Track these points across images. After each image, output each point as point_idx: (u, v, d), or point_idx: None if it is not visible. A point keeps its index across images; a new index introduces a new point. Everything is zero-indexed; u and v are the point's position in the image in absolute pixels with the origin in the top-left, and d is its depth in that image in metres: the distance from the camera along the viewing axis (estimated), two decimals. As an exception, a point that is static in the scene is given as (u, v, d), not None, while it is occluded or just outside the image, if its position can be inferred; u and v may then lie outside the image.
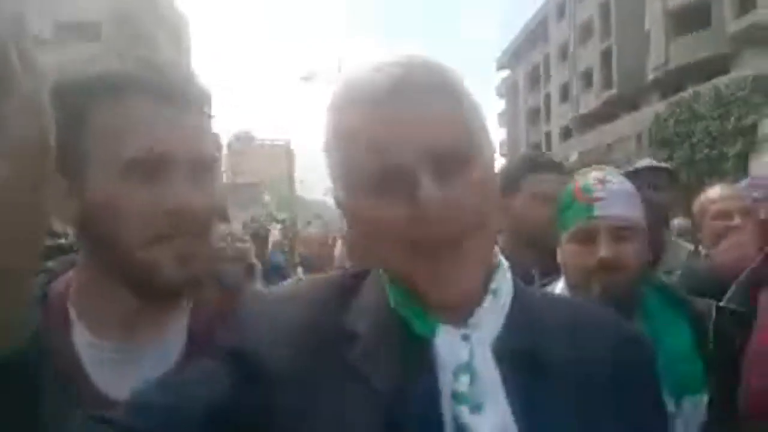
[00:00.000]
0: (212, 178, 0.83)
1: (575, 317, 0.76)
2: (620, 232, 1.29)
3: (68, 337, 0.80)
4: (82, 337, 0.81)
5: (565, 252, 1.37)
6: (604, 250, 1.27)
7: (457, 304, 0.67)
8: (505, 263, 0.75)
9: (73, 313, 0.82)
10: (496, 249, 0.75)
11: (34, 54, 0.45)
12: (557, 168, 1.97)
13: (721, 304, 1.39)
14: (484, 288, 0.70)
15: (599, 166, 1.45)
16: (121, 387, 0.76)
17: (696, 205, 2.43)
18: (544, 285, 1.49)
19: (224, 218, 2.15)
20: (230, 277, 0.96)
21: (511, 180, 1.93)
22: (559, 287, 1.43)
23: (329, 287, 0.76)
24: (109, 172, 0.75)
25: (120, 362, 0.80)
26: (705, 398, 1.27)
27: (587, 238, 1.31)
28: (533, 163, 1.99)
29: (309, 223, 5.09)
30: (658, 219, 2.05)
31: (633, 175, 1.77)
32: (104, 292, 0.80)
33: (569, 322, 0.74)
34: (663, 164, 2.45)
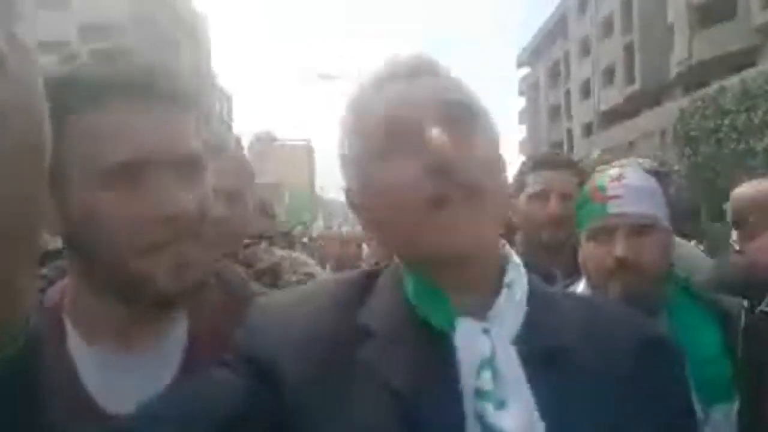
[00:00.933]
0: (205, 177, 0.79)
1: (597, 316, 0.74)
2: (638, 229, 1.23)
3: (64, 348, 0.78)
4: (77, 348, 0.78)
5: (584, 252, 1.32)
6: (619, 249, 1.22)
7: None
8: (516, 258, 0.74)
9: (68, 323, 0.79)
10: (505, 245, 0.74)
11: (22, 35, 0.44)
12: (561, 165, 1.92)
13: (760, 308, 1.32)
14: (499, 282, 0.70)
15: (619, 162, 1.39)
16: (119, 399, 0.74)
17: (741, 200, 2.26)
18: (567, 286, 1.45)
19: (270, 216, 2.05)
20: (235, 280, 0.93)
21: (516, 181, 1.96)
22: (581, 287, 1.38)
23: (343, 287, 0.75)
24: (90, 183, 0.71)
25: (117, 373, 0.77)
26: (735, 407, 1.21)
27: (604, 237, 1.26)
28: (533, 162, 1.98)
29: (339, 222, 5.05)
30: None
31: None
32: (97, 301, 0.77)
33: (591, 320, 0.72)
34: (653, 167, 2.35)
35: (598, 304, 0.83)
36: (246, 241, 1.65)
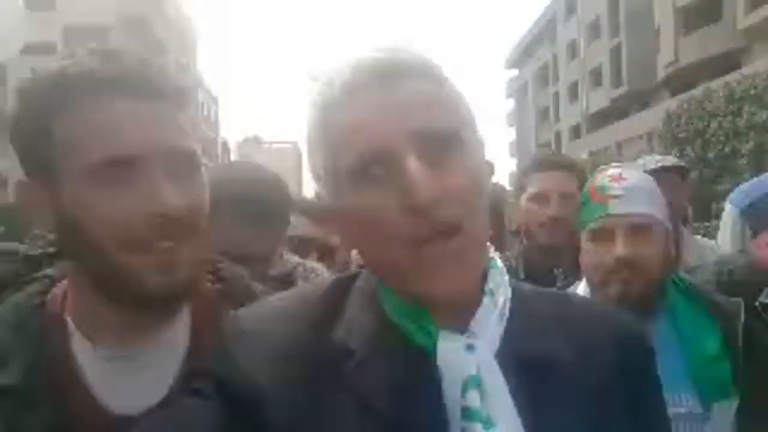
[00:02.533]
0: (200, 175, 0.77)
1: (577, 317, 0.73)
2: (638, 230, 1.24)
3: (67, 348, 0.77)
4: (80, 348, 0.77)
5: (584, 252, 1.32)
6: (620, 249, 1.22)
7: (452, 298, 0.62)
8: (500, 263, 0.71)
9: (71, 323, 0.78)
10: (491, 249, 0.71)
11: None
12: (562, 166, 1.92)
13: (759, 300, 1.32)
14: (480, 290, 0.66)
15: (617, 164, 1.40)
16: (123, 399, 0.74)
17: None
18: (566, 286, 1.45)
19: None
20: (238, 280, 0.91)
21: (518, 181, 1.97)
22: (581, 288, 1.39)
23: (318, 299, 0.70)
24: (79, 179, 0.70)
25: (120, 372, 0.76)
26: (735, 404, 1.21)
27: (604, 237, 1.26)
28: (535, 162, 1.99)
29: None
30: (676, 218, 2.00)
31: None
32: (95, 301, 0.76)
33: (572, 323, 0.71)
34: (676, 162, 2.36)
35: (578, 304, 0.80)
36: None
